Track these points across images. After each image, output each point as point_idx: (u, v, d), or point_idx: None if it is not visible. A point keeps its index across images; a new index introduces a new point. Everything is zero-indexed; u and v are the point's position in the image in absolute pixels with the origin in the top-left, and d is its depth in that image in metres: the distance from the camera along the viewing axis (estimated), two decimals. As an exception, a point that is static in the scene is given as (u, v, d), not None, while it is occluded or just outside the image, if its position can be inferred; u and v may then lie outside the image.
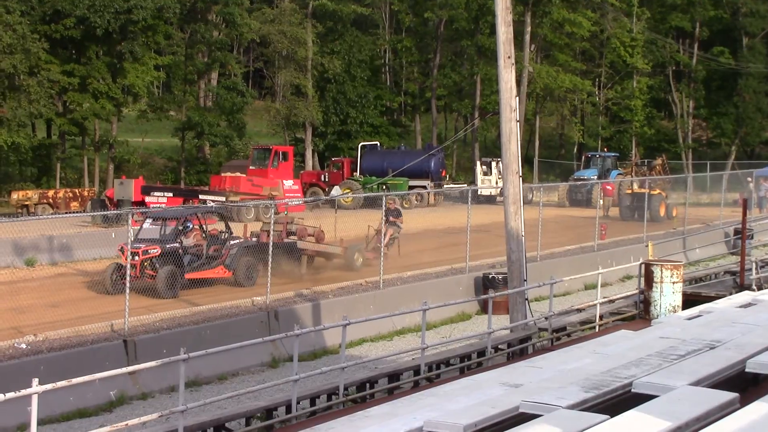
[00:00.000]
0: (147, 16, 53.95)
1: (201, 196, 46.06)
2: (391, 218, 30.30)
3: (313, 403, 14.93)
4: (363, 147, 62.21)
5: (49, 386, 11.05)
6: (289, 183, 51.18)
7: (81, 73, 54.34)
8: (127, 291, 19.57)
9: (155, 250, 24.44)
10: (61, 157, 57.85)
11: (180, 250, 25.11)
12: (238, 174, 49.80)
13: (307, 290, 24.15)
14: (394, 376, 16.58)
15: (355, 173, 60.17)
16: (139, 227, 25.27)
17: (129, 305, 19.60)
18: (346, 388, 15.28)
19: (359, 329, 21.48)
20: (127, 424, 12.38)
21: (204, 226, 26.66)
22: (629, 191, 47.97)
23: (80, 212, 42.26)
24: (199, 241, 26.08)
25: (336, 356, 19.58)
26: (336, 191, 47.88)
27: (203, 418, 13.72)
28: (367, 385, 16.00)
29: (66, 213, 40.53)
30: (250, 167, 51.68)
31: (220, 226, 27.65)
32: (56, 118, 55.47)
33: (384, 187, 54.64)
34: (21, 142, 51.45)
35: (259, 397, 15.70)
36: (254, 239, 27.54)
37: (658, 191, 46.81)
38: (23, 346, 17.81)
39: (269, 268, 23.33)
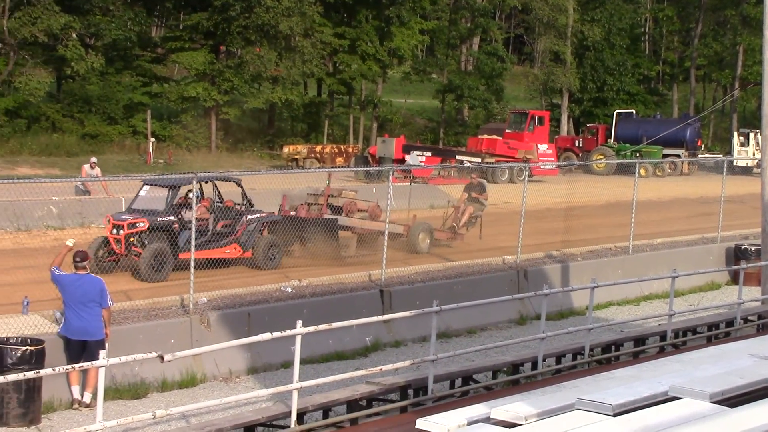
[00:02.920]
0: (415, -18, 55.49)
1: (458, 157, 47.01)
2: (473, 194, 26.35)
3: (558, 361, 15.24)
4: (618, 114, 61.65)
5: (311, 328, 11.94)
6: (543, 147, 51.46)
7: (351, 35, 56.61)
8: (384, 247, 20.27)
9: (142, 224, 20.27)
10: (329, 114, 60.55)
11: (175, 225, 20.69)
12: (494, 136, 50.49)
13: (557, 252, 24.41)
14: (639, 340, 16.77)
15: (609, 140, 59.68)
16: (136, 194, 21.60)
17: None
18: (591, 349, 15.56)
19: (606, 292, 21.46)
20: (381, 369, 13.19)
21: (217, 196, 22.21)
22: None
23: (344, 167, 44.15)
24: (204, 215, 21.52)
25: (582, 317, 19.77)
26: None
27: (452, 369, 14.26)
28: (613, 347, 16.21)
29: (331, 168, 42.31)
30: (507, 130, 52.27)
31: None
32: (326, 78, 58.11)
33: (638, 154, 54.01)
34: (294, 100, 54.52)
35: (505, 352, 16.02)
36: (292, 213, 23.32)
37: None
38: (289, 290, 18.86)
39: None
